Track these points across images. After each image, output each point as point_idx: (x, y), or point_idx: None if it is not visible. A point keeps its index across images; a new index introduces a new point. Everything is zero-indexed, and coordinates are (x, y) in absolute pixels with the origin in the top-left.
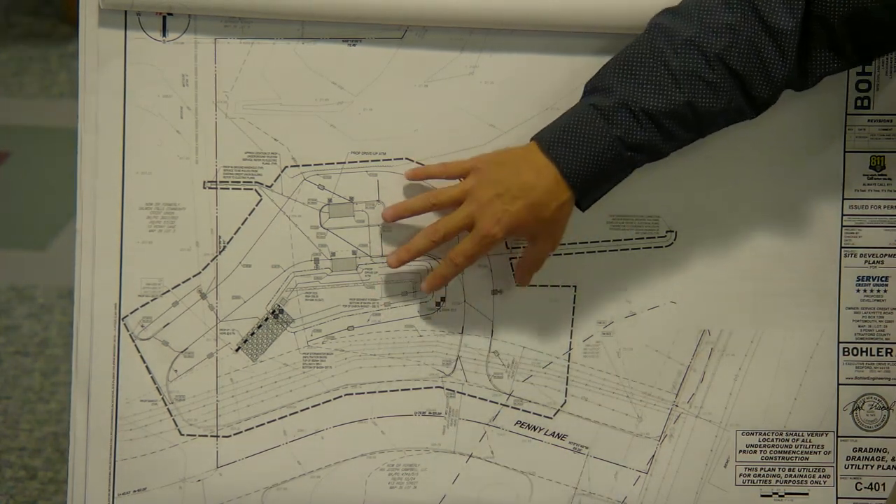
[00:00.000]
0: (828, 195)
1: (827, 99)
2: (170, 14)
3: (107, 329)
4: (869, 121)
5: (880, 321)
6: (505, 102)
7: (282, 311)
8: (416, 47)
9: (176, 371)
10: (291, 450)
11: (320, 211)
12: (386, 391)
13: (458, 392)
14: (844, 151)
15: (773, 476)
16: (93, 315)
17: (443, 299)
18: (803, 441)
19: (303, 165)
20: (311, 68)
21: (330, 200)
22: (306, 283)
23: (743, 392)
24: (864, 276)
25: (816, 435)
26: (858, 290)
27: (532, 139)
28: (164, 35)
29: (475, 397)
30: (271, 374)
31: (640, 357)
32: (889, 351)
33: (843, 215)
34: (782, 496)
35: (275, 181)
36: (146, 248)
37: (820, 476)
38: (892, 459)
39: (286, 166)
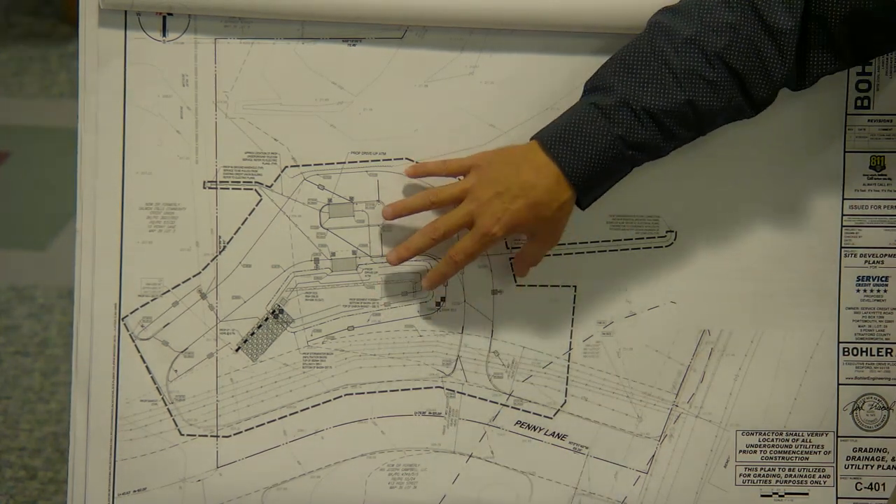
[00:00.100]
0: (828, 195)
1: (827, 99)
2: (170, 14)
3: (107, 329)
4: (869, 121)
5: (880, 321)
6: (505, 102)
7: (282, 311)
8: (416, 47)
9: (176, 371)
10: (291, 450)
11: (320, 211)
12: (386, 391)
13: (458, 392)
14: (844, 151)
15: (773, 476)
16: (93, 315)
17: (443, 299)
18: (803, 441)
19: (303, 165)
20: (311, 68)
21: (330, 200)
22: (306, 283)
23: (743, 392)
24: (864, 276)
25: (816, 435)
26: (858, 290)
27: (532, 138)
28: (164, 35)
29: (475, 397)
30: (271, 374)
31: (640, 357)
32: (889, 351)
33: (843, 215)
34: (782, 496)
35: (275, 181)
36: (146, 248)
37: (820, 476)
38: (892, 459)
39: (286, 166)
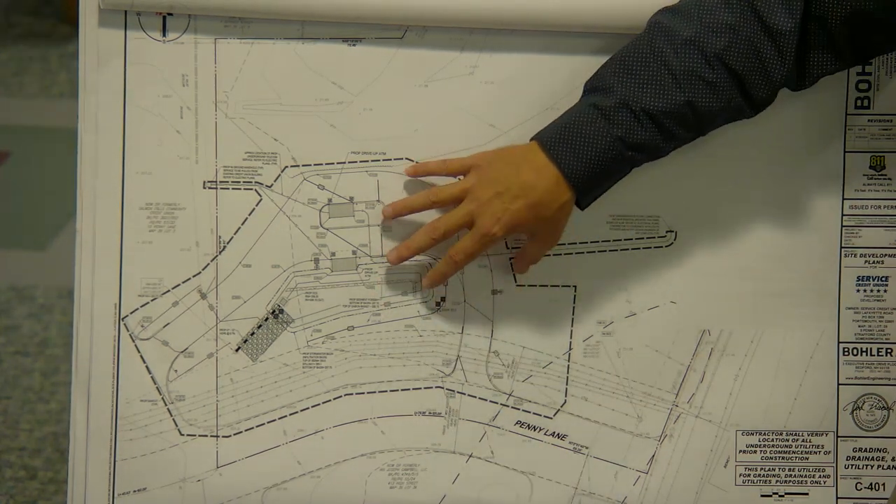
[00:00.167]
0: (828, 195)
1: (827, 99)
2: (170, 14)
3: (107, 329)
4: (869, 121)
5: (880, 321)
6: (505, 102)
7: (282, 311)
8: (416, 47)
9: (176, 371)
10: (291, 450)
11: (320, 211)
12: (386, 391)
13: (458, 392)
14: (844, 151)
15: (773, 476)
16: (93, 315)
17: (443, 299)
18: (803, 441)
19: (303, 165)
20: (311, 68)
21: (330, 200)
22: (306, 283)
23: (743, 392)
24: (864, 276)
25: (816, 435)
26: (858, 290)
27: (532, 138)
28: (164, 35)
29: (475, 397)
30: (271, 374)
31: (640, 357)
32: (889, 351)
33: (843, 215)
34: (782, 496)
35: (275, 181)
36: (146, 248)
37: (820, 476)
38: (892, 459)
39: (286, 166)
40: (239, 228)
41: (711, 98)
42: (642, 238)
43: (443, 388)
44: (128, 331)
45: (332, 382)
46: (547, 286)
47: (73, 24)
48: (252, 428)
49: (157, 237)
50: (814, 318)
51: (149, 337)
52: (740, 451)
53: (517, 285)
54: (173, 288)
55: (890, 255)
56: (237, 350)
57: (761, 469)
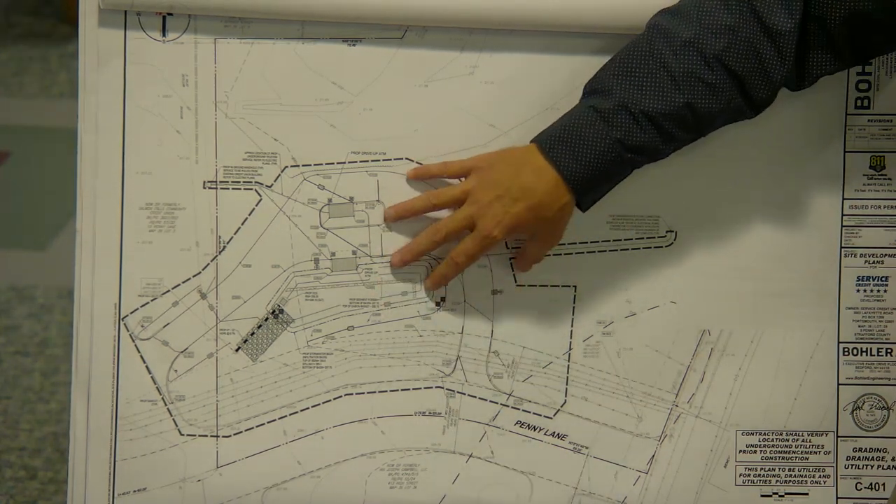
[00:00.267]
0: (828, 195)
1: (827, 99)
2: (170, 14)
3: (107, 329)
4: (869, 121)
5: (880, 321)
6: (505, 102)
7: (282, 311)
8: (416, 47)
9: (176, 371)
10: (291, 450)
11: (320, 211)
12: (386, 391)
13: (458, 392)
14: (844, 151)
15: (773, 476)
16: (93, 315)
17: (443, 299)
18: (803, 441)
19: (303, 165)
20: (311, 68)
21: (330, 200)
22: (306, 283)
23: (743, 392)
24: (864, 276)
25: (816, 435)
26: (858, 290)
27: (532, 141)
28: (164, 35)
29: (475, 397)
30: (271, 374)
31: (640, 357)
32: (889, 351)
33: (843, 215)
34: (782, 496)
35: (275, 181)
36: (146, 248)
37: (820, 476)
38: (892, 459)
39: (286, 166)
40: (239, 228)
41: (711, 99)
42: (642, 238)
43: (443, 388)
44: (128, 331)
45: (332, 382)
46: (547, 286)
47: (73, 24)
48: (252, 428)
49: (157, 237)
50: (814, 318)
51: (149, 337)
52: (740, 451)
53: (517, 285)
54: (173, 288)
55: (890, 255)
56: (237, 350)
57: (761, 469)
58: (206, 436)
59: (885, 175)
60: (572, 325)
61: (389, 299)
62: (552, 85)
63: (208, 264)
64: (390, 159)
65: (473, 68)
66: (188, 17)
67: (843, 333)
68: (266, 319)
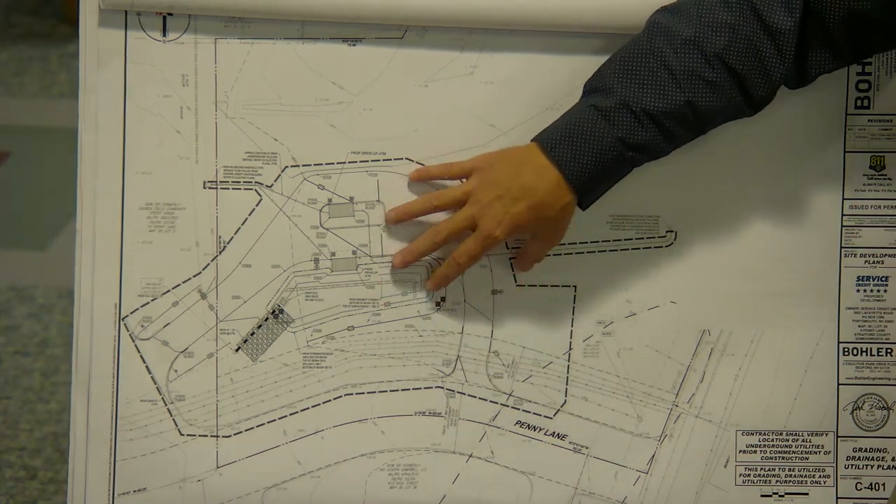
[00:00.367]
0: (828, 195)
1: (827, 99)
2: (170, 14)
3: (107, 329)
4: (869, 121)
5: (880, 321)
6: (505, 102)
7: (282, 311)
8: (416, 47)
9: (176, 371)
10: (291, 450)
11: (320, 211)
12: (386, 391)
13: (458, 392)
14: (844, 151)
15: (773, 476)
16: (93, 315)
17: (443, 299)
18: (803, 441)
19: (303, 165)
20: (311, 68)
21: (330, 200)
22: (306, 283)
23: (743, 392)
24: (864, 276)
25: (816, 435)
26: (858, 290)
27: (533, 140)
28: (164, 35)
29: (475, 397)
30: (271, 374)
31: (640, 357)
32: (889, 351)
33: (843, 215)
34: (782, 496)
35: (275, 181)
36: (146, 248)
37: (820, 476)
38: (892, 459)
39: (286, 166)
40: (239, 228)
41: (712, 98)
42: (642, 238)
43: (443, 388)
44: (128, 331)
45: (332, 382)
46: (547, 286)
47: (73, 24)
48: (252, 428)
49: (157, 237)
50: (814, 318)
51: (149, 337)
52: (740, 451)
53: (517, 285)
54: (173, 288)
55: (890, 255)
56: (237, 350)
57: (761, 469)
58: (206, 436)
59: (885, 175)
60: (572, 325)
61: (389, 299)
62: (552, 85)
63: (208, 264)
64: (390, 159)
65: (473, 68)
66: (188, 17)
67: (843, 333)
68: (266, 319)
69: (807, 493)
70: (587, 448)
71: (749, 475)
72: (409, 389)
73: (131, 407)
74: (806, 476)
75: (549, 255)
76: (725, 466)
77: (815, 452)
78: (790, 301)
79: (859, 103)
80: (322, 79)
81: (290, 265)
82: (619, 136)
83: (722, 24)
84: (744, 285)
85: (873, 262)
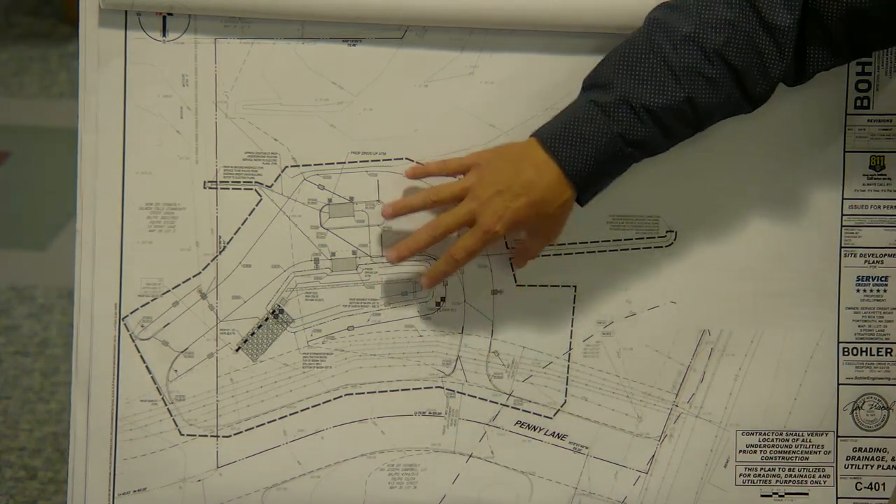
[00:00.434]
0: (828, 195)
1: (827, 99)
2: (170, 14)
3: (107, 329)
4: (869, 121)
5: (880, 321)
6: (505, 102)
7: (282, 311)
8: (416, 47)
9: (176, 371)
10: (291, 450)
11: (320, 211)
12: (386, 391)
13: (458, 392)
14: (844, 151)
15: (773, 476)
16: (93, 315)
17: (443, 299)
18: (803, 441)
19: (303, 165)
20: (311, 68)
21: (330, 200)
22: (306, 283)
23: (743, 392)
24: (864, 276)
25: (816, 435)
26: (858, 290)
27: (532, 135)
28: (164, 35)
29: (475, 397)
30: (271, 374)
31: (640, 357)
32: (889, 351)
33: (843, 215)
34: (782, 496)
35: (275, 181)
36: (146, 248)
37: (820, 476)
38: (892, 459)
39: (286, 166)
40: (239, 228)
41: (711, 94)
42: (642, 238)
43: (443, 388)
44: (128, 331)
45: (332, 382)
46: (547, 286)
47: (73, 24)
48: (252, 428)
49: (157, 237)
50: (814, 318)
51: (149, 337)
52: (740, 451)
53: (517, 285)
54: (173, 288)
55: (890, 255)
56: (237, 350)
57: (761, 469)
58: (206, 436)
59: (885, 175)
60: (572, 325)
61: (389, 299)
62: (552, 85)
63: (208, 264)
64: (390, 159)
65: (473, 68)
66: (188, 17)
67: (843, 333)
68: (266, 319)
69: (807, 493)
70: (587, 448)
71: (749, 475)
72: (409, 389)
73: (131, 407)
74: (806, 476)
75: (549, 255)
76: (725, 466)
77: (815, 452)
78: (790, 301)
79: (859, 103)
80: (322, 79)
81: (290, 265)
82: (618, 131)
83: (721, 20)
84: (744, 285)
85: (873, 262)
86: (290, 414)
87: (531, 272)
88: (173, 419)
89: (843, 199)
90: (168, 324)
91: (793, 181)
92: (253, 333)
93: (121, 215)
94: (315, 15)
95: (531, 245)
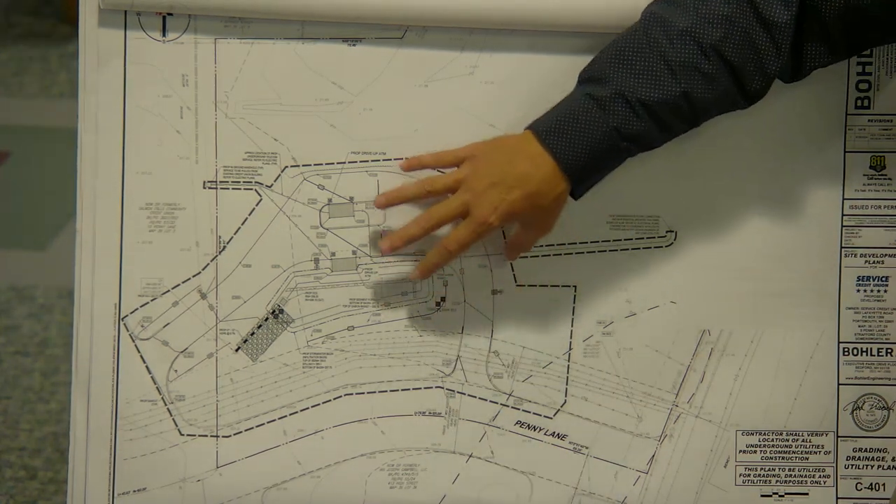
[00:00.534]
0: (828, 195)
1: (827, 99)
2: (170, 14)
3: (107, 329)
4: (869, 121)
5: (880, 321)
6: (505, 102)
7: (282, 311)
8: (416, 47)
9: (176, 371)
10: (291, 450)
11: (320, 211)
12: (386, 391)
13: (458, 392)
14: (844, 151)
15: (773, 476)
16: (93, 315)
17: (443, 299)
18: (803, 441)
19: (303, 165)
20: (311, 68)
21: (330, 200)
22: (306, 283)
23: (743, 392)
24: (864, 276)
25: (816, 435)
26: (858, 290)
27: (527, 128)
28: (164, 35)
29: (475, 397)
30: (271, 374)
31: (640, 357)
32: (889, 351)
33: (843, 215)
34: (782, 496)
35: (275, 181)
36: (146, 248)
37: (820, 476)
38: (892, 459)
39: (286, 166)
40: (239, 228)
41: (707, 89)
42: (642, 238)
43: (443, 388)
44: (128, 331)
45: (332, 382)
46: (547, 286)
47: (73, 24)
48: (252, 428)
49: (157, 237)
50: (814, 318)
51: (149, 337)
52: (740, 451)
53: (517, 285)
54: (173, 288)
55: (890, 255)
56: (237, 350)
57: (761, 469)
58: (206, 436)
59: (885, 175)
60: (572, 325)
61: (389, 299)
62: (552, 85)
63: (208, 264)
64: (390, 159)
65: (473, 68)
66: (188, 17)
67: (843, 333)
68: (266, 319)
69: (807, 493)
70: (587, 448)
71: (749, 475)
72: (409, 389)
73: (131, 407)
74: (806, 476)
75: (549, 255)
76: (725, 466)
77: (815, 452)
78: (790, 301)
79: (859, 103)
80: (322, 79)
81: (290, 265)
82: (613, 125)
83: (718, 16)
84: (744, 285)
85: (873, 262)
86: (290, 414)
87: (531, 272)
88: (173, 419)
89: (843, 199)
90: (168, 324)
91: (793, 181)
92: (253, 333)
93: (121, 215)
94: (315, 15)
95: (525, 238)
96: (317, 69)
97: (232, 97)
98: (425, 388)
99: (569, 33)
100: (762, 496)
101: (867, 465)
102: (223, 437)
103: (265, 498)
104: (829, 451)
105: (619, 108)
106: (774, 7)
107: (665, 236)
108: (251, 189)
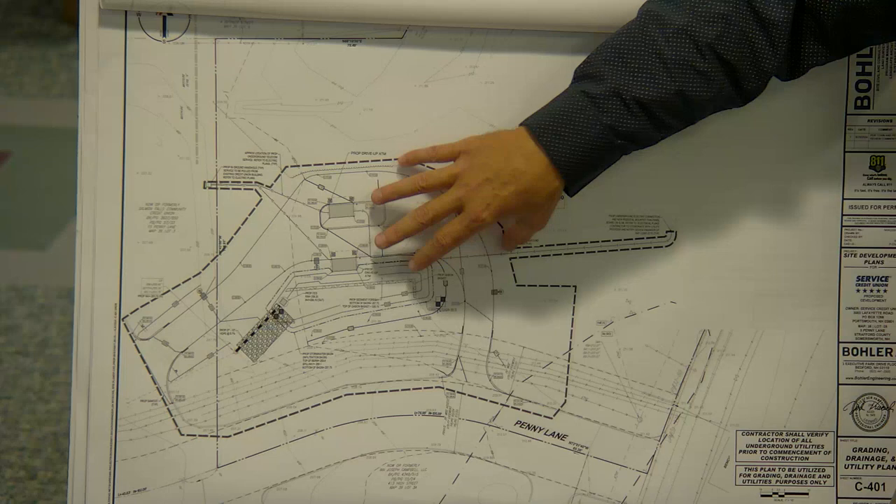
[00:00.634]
0: (828, 195)
1: (827, 99)
2: (170, 14)
3: (107, 329)
4: (869, 121)
5: (880, 321)
6: (505, 102)
7: (282, 311)
8: (416, 47)
9: (176, 371)
10: (291, 450)
11: (320, 211)
12: (386, 391)
13: (458, 392)
14: (844, 151)
15: (773, 476)
16: (93, 315)
17: (443, 299)
18: (803, 441)
19: (303, 165)
20: (311, 68)
21: (330, 200)
22: (306, 283)
23: (743, 392)
24: (864, 276)
25: (816, 435)
26: (858, 290)
27: (521, 124)
28: (164, 35)
29: (475, 397)
30: (271, 374)
31: (640, 357)
32: (889, 351)
33: (843, 215)
34: (782, 496)
35: (275, 181)
36: (146, 248)
37: (820, 476)
38: (892, 459)
39: (286, 166)
40: (239, 228)
41: (703, 88)
42: (642, 238)
43: (443, 388)
44: (128, 331)
45: (332, 382)
46: (547, 286)
47: (73, 24)
48: (252, 428)
49: (157, 237)
50: (814, 318)
51: (149, 337)
52: (740, 451)
53: (517, 285)
54: (173, 288)
55: (890, 255)
56: (237, 350)
57: (761, 469)
58: (206, 436)
59: (885, 175)
60: (572, 325)
61: (389, 299)
62: (552, 85)
63: (208, 264)
64: (390, 159)
65: (473, 68)
66: (188, 17)
67: (843, 333)
68: (266, 319)
69: (807, 493)
70: (587, 448)
71: (749, 475)
72: (409, 389)
73: (131, 407)
74: (806, 476)
75: (549, 256)
76: (725, 466)
77: (815, 452)
78: (790, 301)
79: (859, 103)
80: (322, 79)
81: (290, 265)
82: (608, 123)
83: (715, 14)
84: (744, 285)
85: (873, 262)
86: (290, 414)
87: (531, 272)
88: (173, 419)
89: (843, 199)
90: (168, 324)
91: (793, 181)
92: (253, 333)
93: (121, 215)
94: (315, 15)
95: (520, 232)
96: (317, 69)
97: (232, 97)
98: (425, 388)
99: (569, 33)
100: (762, 496)
101: (867, 465)
102: (223, 437)
103: (265, 498)
104: (829, 451)
105: (613, 106)
106: (771, 5)
107: (665, 236)
108: (251, 189)
